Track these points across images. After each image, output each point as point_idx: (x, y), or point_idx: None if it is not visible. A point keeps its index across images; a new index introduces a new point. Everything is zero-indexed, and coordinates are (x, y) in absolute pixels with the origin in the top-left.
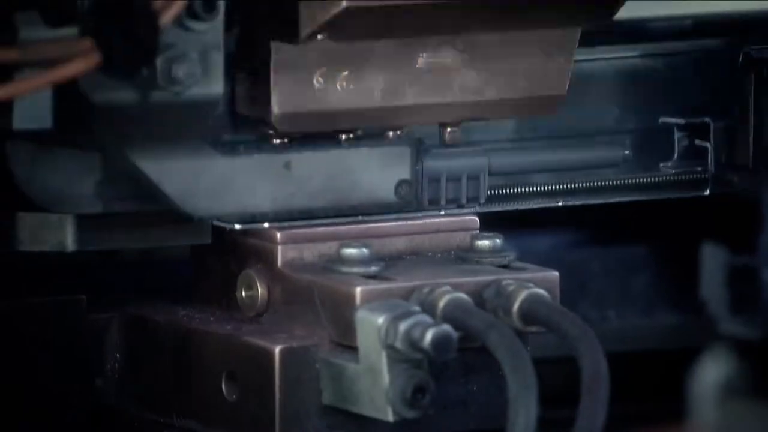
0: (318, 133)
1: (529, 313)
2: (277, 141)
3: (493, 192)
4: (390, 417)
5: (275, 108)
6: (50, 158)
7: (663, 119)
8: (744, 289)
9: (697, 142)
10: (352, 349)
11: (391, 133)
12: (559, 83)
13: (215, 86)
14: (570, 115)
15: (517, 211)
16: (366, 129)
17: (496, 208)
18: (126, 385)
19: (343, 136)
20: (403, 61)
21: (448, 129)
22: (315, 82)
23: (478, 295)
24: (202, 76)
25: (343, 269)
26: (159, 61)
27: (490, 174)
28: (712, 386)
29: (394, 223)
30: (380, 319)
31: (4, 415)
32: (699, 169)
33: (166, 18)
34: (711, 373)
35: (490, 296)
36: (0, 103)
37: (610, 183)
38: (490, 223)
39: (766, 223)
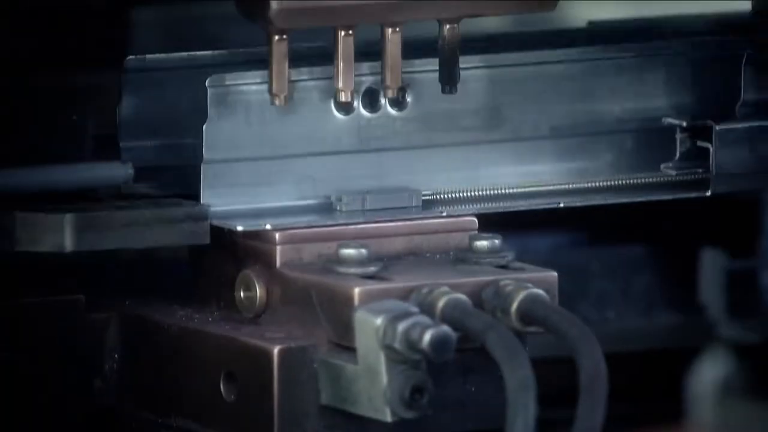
0: (317, 28)
1: (527, 314)
2: (276, 37)
3: (492, 192)
4: (388, 417)
5: (274, 3)
6: None
7: (666, 120)
8: (743, 294)
9: (699, 143)
10: (350, 349)
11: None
12: None
13: None
14: (570, 114)
15: (516, 211)
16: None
17: (496, 208)
18: (124, 385)
19: None
20: None
21: (447, 26)
22: None
23: (476, 296)
24: None
25: (341, 270)
26: None
27: (491, 175)
28: (711, 386)
29: (392, 224)
30: (379, 320)
31: (2, 415)
32: (700, 170)
33: None
34: (709, 373)
35: (489, 297)
36: None
37: (611, 183)
38: (488, 223)
39: (765, 227)
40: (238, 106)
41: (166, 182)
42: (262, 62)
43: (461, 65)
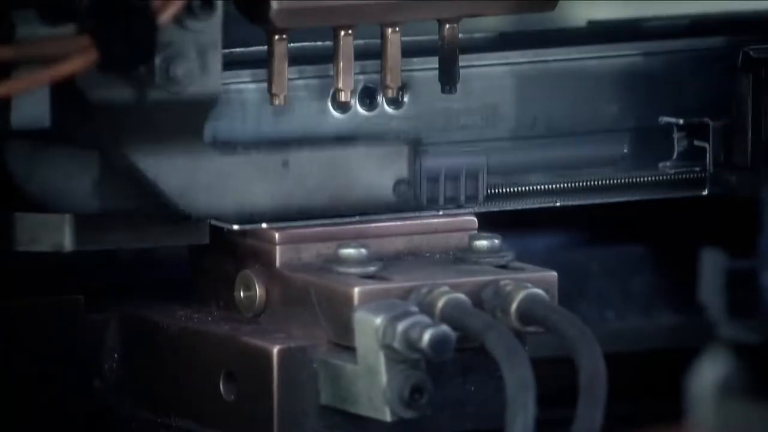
0: (316, 28)
1: (527, 314)
2: (276, 37)
3: (491, 191)
4: (388, 417)
5: (274, 3)
6: (48, 157)
7: (662, 119)
8: (743, 294)
9: (696, 142)
10: (350, 349)
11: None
12: None
13: (213, 85)
14: (568, 113)
15: (515, 211)
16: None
17: (495, 208)
18: (124, 386)
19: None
20: None
21: (447, 26)
22: None
23: (476, 296)
24: (199, 74)
25: (341, 269)
26: (157, 60)
27: (489, 173)
28: (711, 386)
29: (392, 224)
30: (378, 320)
31: (2, 415)
32: (697, 169)
33: (165, 17)
34: (709, 373)
35: (489, 296)
36: None
37: (609, 182)
38: (488, 223)
39: (764, 225)
40: (234, 104)
41: None
42: (262, 62)
43: (459, 63)
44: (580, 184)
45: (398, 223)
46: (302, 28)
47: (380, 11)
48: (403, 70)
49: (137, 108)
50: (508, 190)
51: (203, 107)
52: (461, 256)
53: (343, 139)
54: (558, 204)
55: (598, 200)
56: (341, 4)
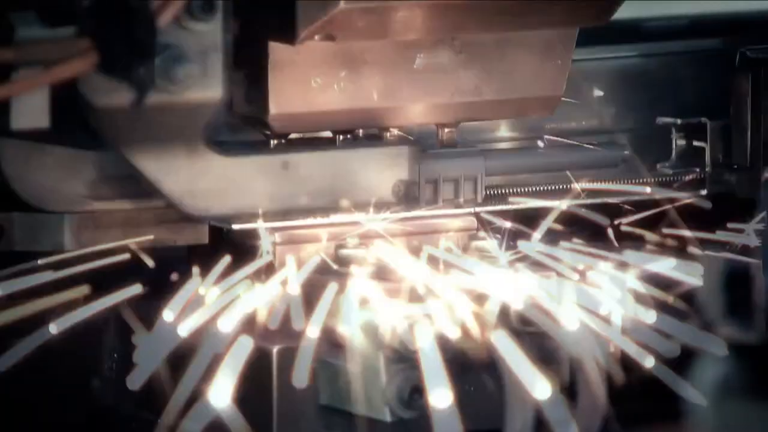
0: (315, 134)
1: (527, 314)
2: (274, 141)
3: (490, 192)
4: (387, 417)
5: (272, 108)
6: (47, 158)
7: (660, 119)
8: (743, 294)
9: (694, 142)
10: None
11: (389, 134)
12: (556, 84)
13: (214, 86)
14: (567, 114)
15: (515, 211)
16: (364, 129)
17: (494, 208)
18: (124, 385)
19: (341, 137)
20: (400, 62)
21: (445, 129)
22: (312, 82)
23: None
24: (200, 76)
25: (340, 269)
26: (158, 62)
27: (488, 174)
28: (711, 386)
29: (392, 224)
30: (378, 320)
31: (2, 416)
32: (696, 169)
33: (165, 18)
34: (709, 373)
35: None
36: None
37: (608, 183)
38: (488, 223)
39: (764, 226)
40: None
41: None
42: None
43: None
44: (580, 185)
45: (398, 223)
46: (301, 132)
47: (378, 118)
48: None
49: (138, 110)
50: (507, 191)
51: (204, 109)
52: (462, 256)
53: (344, 141)
54: (558, 204)
55: (597, 200)
56: (339, 110)
